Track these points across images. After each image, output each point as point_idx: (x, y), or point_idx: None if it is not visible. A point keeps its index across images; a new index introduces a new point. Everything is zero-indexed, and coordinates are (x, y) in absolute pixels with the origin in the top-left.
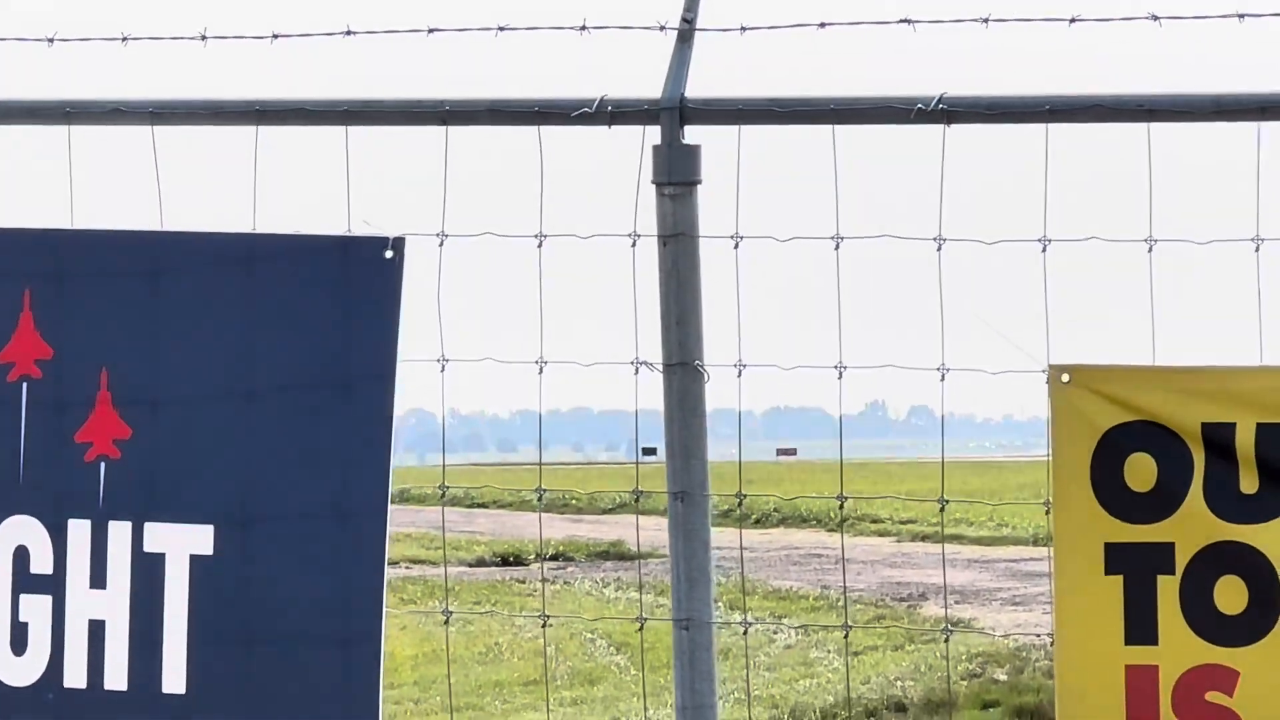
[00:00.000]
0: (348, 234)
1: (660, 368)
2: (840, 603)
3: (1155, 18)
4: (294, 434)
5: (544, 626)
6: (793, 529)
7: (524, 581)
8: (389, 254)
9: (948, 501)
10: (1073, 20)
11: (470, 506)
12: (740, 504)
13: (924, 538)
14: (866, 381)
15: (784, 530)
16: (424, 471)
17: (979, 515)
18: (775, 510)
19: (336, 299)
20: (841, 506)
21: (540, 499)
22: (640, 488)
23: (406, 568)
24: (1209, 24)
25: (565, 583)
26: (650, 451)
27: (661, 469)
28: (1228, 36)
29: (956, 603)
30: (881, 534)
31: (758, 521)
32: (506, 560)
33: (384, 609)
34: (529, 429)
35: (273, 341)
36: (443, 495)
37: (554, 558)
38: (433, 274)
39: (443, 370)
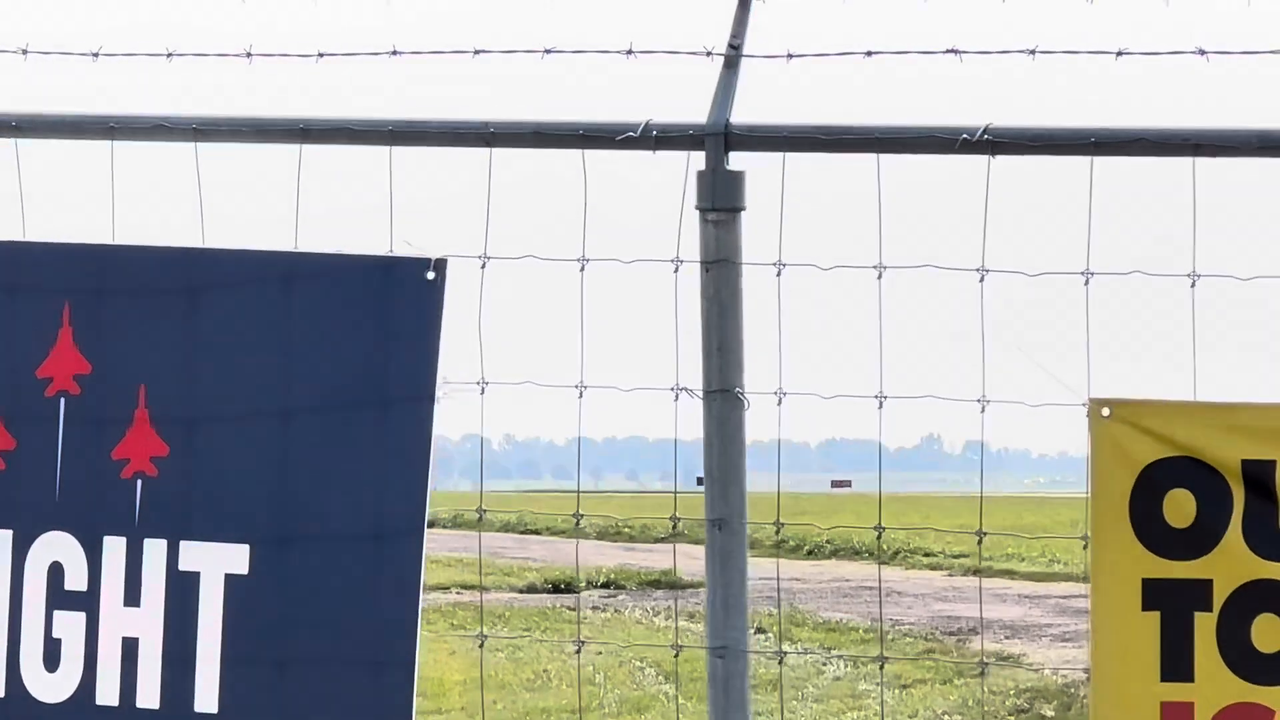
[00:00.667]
0: (389, 254)
1: (700, 394)
2: (891, 636)
3: (1203, 52)
4: (331, 454)
5: (577, 652)
6: (844, 561)
7: (574, 609)
8: (430, 275)
9: (986, 534)
10: (1120, 53)
11: (524, 533)
12: (778, 531)
13: (976, 572)
14: (921, 415)
15: (836, 562)
16: (479, 497)
17: (1031, 550)
18: (828, 542)
19: (377, 319)
20: (879, 537)
21: (578, 523)
22: (687, 516)
23: (458, 593)
24: (1256, 59)
25: (616, 610)
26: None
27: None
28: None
29: (1007, 638)
30: (934, 567)
31: (810, 553)
32: (557, 587)
33: (419, 632)
34: (587, 457)
35: (312, 361)
36: (480, 519)
37: (605, 585)
38: (475, 296)
39: (482, 393)
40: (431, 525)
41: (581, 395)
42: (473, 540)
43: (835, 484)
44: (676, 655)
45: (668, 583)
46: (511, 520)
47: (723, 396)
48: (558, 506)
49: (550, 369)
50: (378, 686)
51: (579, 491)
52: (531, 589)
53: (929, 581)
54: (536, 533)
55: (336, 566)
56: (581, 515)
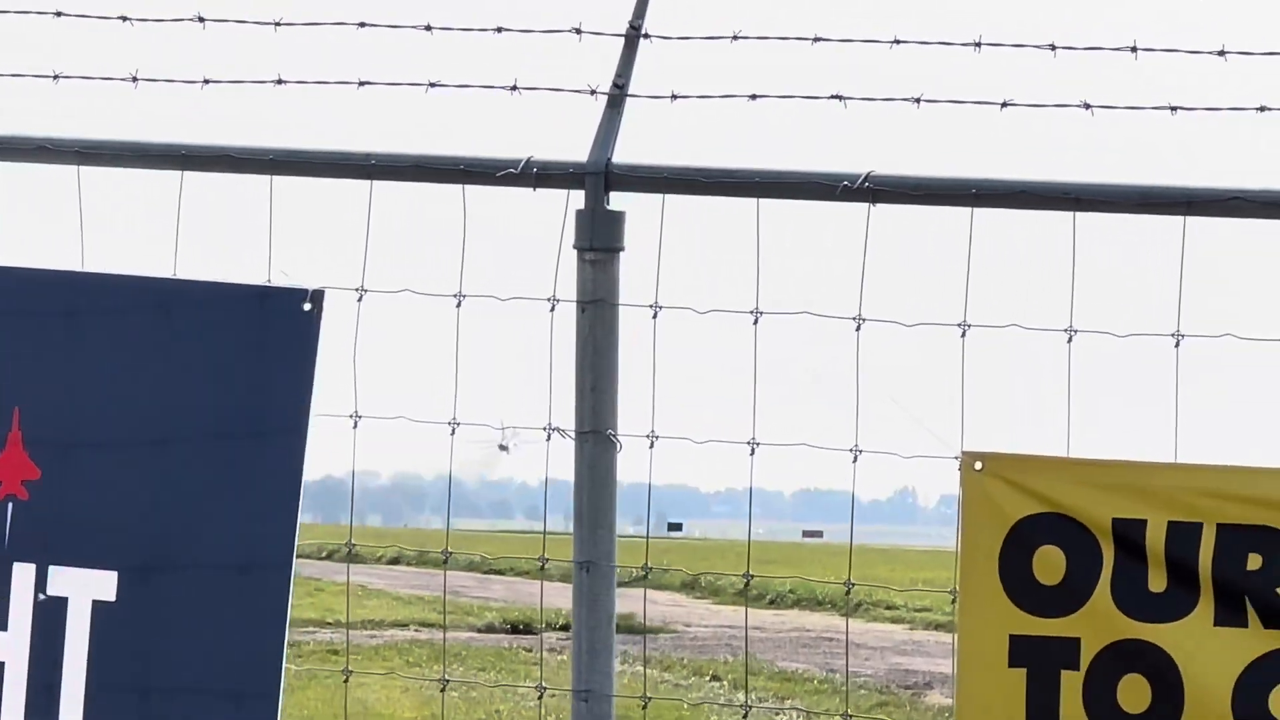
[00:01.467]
0: (267, 284)
1: (573, 435)
2: (845, 687)
3: (1088, 106)
4: (203, 483)
5: (539, 699)
6: (806, 611)
7: (530, 650)
8: (307, 306)
9: (854, 585)
10: (1005, 104)
11: (486, 573)
12: (645, 575)
13: (937, 626)
14: (896, 468)
15: (798, 612)
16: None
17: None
18: (791, 591)
19: (253, 350)
20: (746, 584)
21: (445, 561)
22: (650, 565)
23: (416, 630)
24: (1141, 115)
25: None
26: (676, 527)
27: (676, 544)
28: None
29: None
30: (895, 620)
31: (771, 602)
32: (515, 628)
33: (284, 666)
34: (556, 498)
35: (187, 389)
36: (349, 553)
37: (564, 628)
38: (352, 328)
39: (355, 427)
40: (395, 562)
41: (454, 432)
42: (435, 578)
43: (806, 534)
44: (540, 697)
45: (625, 627)
46: (475, 559)
47: (595, 438)
48: (522, 548)
49: (428, 404)
50: (240, 718)
51: (448, 528)
52: (490, 628)
53: (889, 634)
54: (499, 572)
55: (203, 596)
56: (451, 553)
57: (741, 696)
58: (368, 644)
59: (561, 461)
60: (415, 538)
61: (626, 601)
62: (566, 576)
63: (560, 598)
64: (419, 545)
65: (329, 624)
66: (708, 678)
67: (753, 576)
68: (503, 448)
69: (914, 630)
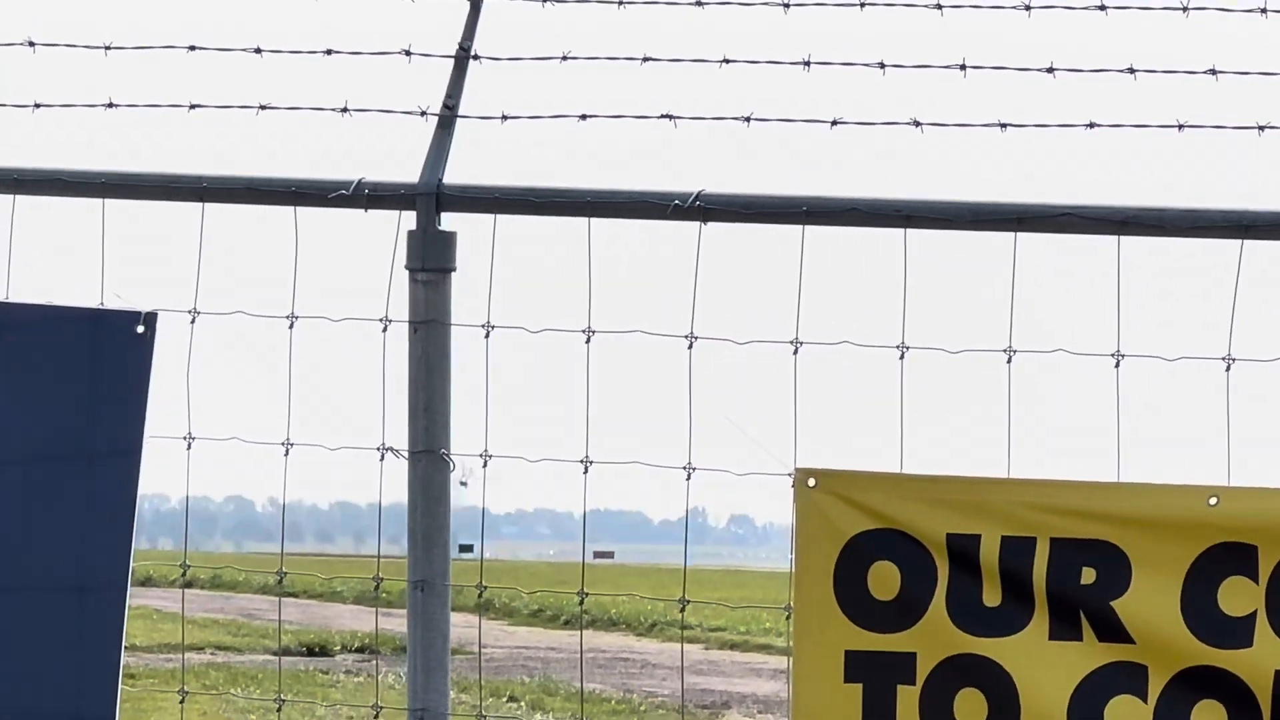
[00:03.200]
0: (100, 307)
1: (406, 455)
2: (643, 708)
3: (918, 124)
4: (36, 506)
5: (278, 710)
6: (601, 631)
7: (327, 672)
8: (140, 329)
9: (689, 602)
10: (835, 123)
11: (281, 595)
12: (480, 595)
13: (733, 645)
14: (686, 488)
15: (593, 633)
16: (238, 558)
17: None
18: (585, 612)
19: (86, 372)
20: (581, 603)
21: (280, 581)
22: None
23: (211, 653)
24: (971, 132)
25: (369, 675)
26: (467, 548)
27: (469, 565)
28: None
29: (760, 712)
30: (691, 640)
31: (566, 622)
32: (312, 650)
33: (119, 688)
34: (348, 521)
35: (19, 411)
36: (184, 573)
37: (360, 650)
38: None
39: (189, 449)
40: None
41: (288, 454)
42: (230, 601)
43: (598, 554)
44: (376, 716)
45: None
46: (268, 582)
47: (428, 457)
48: (318, 570)
49: (263, 426)
50: None
51: (283, 552)
52: (286, 651)
53: (685, 653)
54: (294, 595)
55: (39, 618)
56: (286, 573)
57: (539, 717)
58: (164, 667)
59: (358, 482)
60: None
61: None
62: (361, 598)
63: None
64: (210, 568)
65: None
66: (505, 699)
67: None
68: (463, 484)
69: (709, 650)
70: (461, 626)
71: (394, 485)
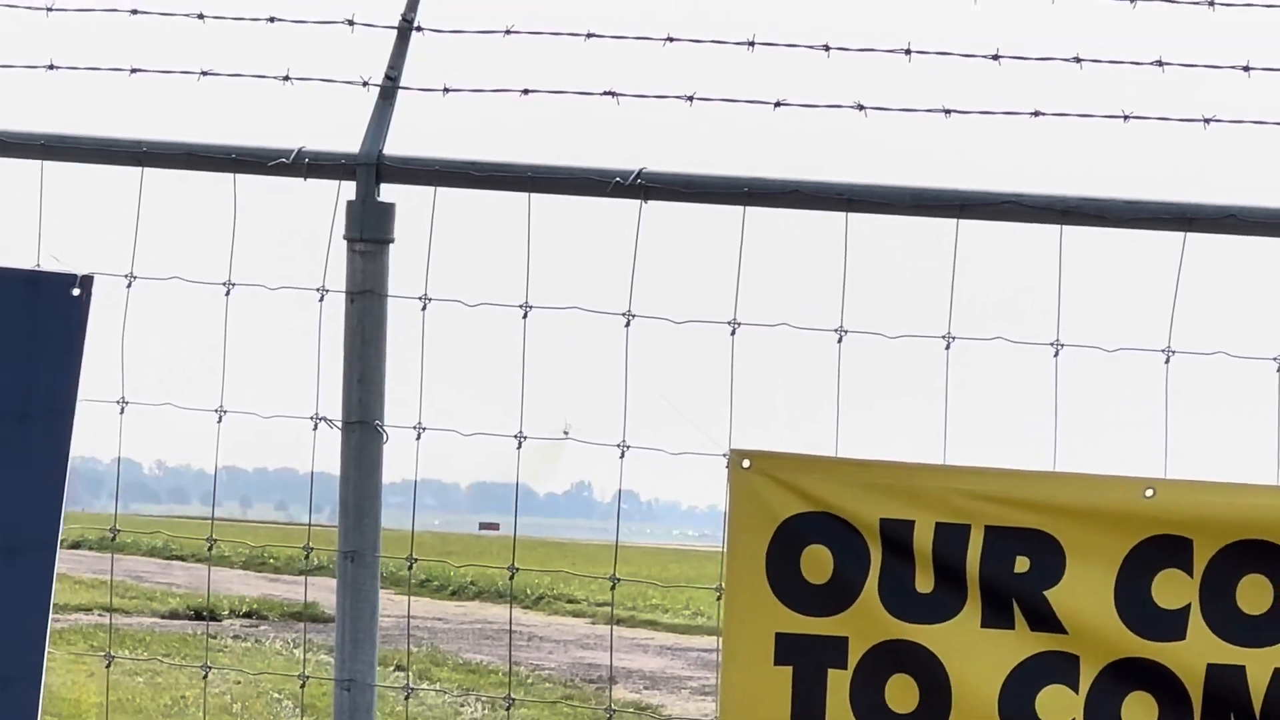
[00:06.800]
0: (36, 269)
1: (340, 425)
2: (530, 681)
3: (861, 107)
4: None
5: (204, 678)
6: (489, 603)
7: (215, 636)
8: (76, 292)
9: (620, 580)
10: (778, 104)
11: (169, 558)
12: (410, 568)
13: (619, 620)
14: (575, 463)
15: (480, 604)
16: (125, 519)
17: (675, 603)
18: (472, 583)
19: (20, 334)
20: (511, 578)
21: (210, 549)
22: (327, 547)
23: (100, 614)
24: (915, 117)
25: (257, 641)
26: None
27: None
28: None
29: (646, 688)
30: (577, 614)
31: (454, 594)
32: (199, 614)
33: (46, 647)
34: (234, 484)
35: None
36: (113, 538)
37: (247, 615)
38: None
39: (122, 413)
40: (77, 546)
41: (221, 420)
42: (118, 563)
43: (483, 526)
44: (303, 685)
45: (310, 615)
46: (156, 545)
47: (361, 428)
48: (203, 533)
49: (197, 393)
50: (3, 700)
51: (213, 517)
52: (174, 615)
53: (571, 628)
54: (181, 558)
55: None
56: (215, 540)
57: (426, 685)
58: (53, 627)
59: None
60: (94, 521)
61: (312, 590)
62: (249, 563)
63: (240, 584)
64: (99, 529)
65: None
66: (392, 668)
67: (620, 581)
68: (565, 433)
69: (595, 624)
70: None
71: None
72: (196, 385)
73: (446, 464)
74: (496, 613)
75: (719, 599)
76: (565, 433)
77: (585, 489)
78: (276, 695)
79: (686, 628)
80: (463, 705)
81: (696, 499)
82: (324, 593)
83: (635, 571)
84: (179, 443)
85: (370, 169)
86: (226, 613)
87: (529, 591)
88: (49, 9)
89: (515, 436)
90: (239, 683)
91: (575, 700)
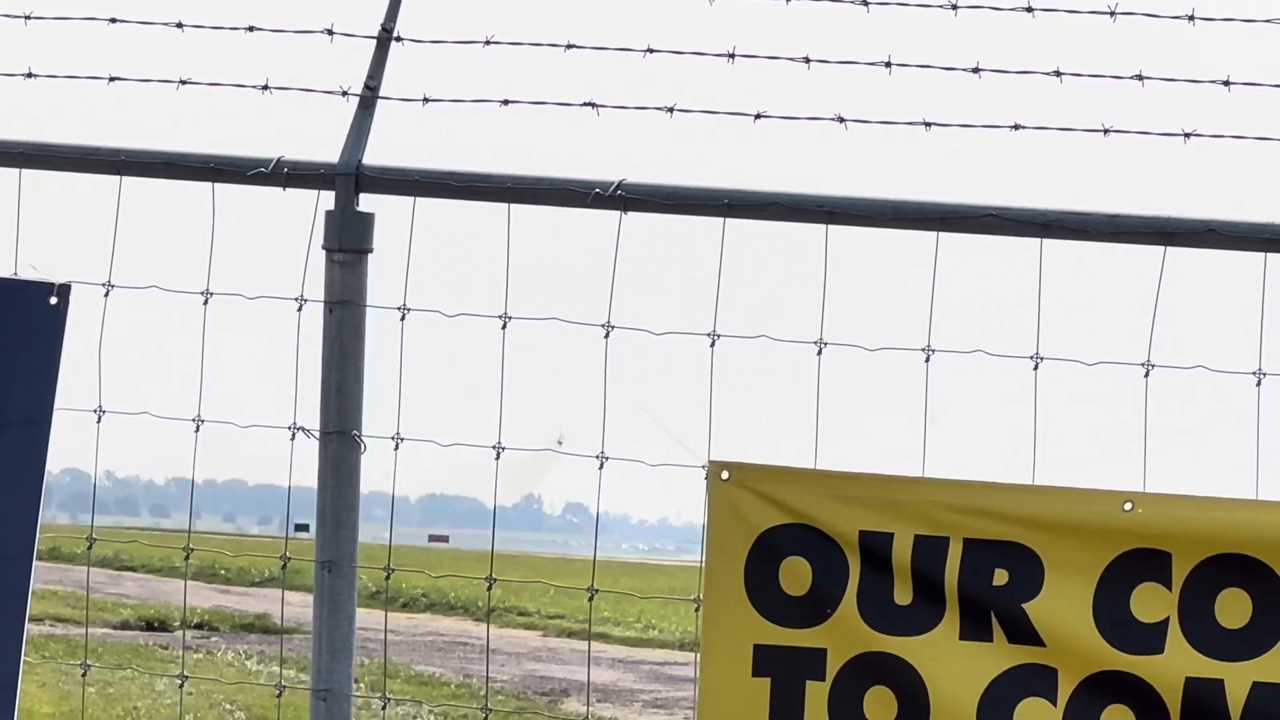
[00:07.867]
0: (14, 277)
1: (318, 435)
2: (482, 691)
3: (841, 119)
4: None
5: (181, 686)
6: (440, 615)
7: (167, 647)
8: (54, 300)
9: (597, 591)
10: (759, 116)
11: (119, 569)
12: (388, 578)
13: (570, 633)
14: (525, 475)
15: (431, 616)
16: (76, 529)
17: (627, 615)
18: (423, 595)
19: None
20: (489, 589)
21: (187, 558)
22: (296, 558)
23: (51, 625)
24: (895, 130)
25: (209, 652)
26: (303, 528)
27: (312, 544)
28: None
29: (599, 700)
30: (529, 627)
31: (405, 605)
32: (151, 625)
33: (22, 656)
34: (182, 496)
35: None
36: (90, 547)
37: (199, 626)
38: (99, 324)
39: (99, 421)
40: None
41: (198, 430)
42: (68, 573)
43: (433, 538)
44: (280, 695)
45: (261, 627)
46: (108, 555)
47: (339, 438)
48: (155, 543)
49: (170, 403)
50: None
51: (190, 518)
52: (125, 625)
53: (524, 640)
54: (132, 569)
55: None
56: (193, 549)
57: (378, 699)
58: None
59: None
60: (45, 531)
61: (263, 602)
62: (203, 574)
63: (194, 595)
64: (48, 540)
65: None
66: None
67: (598, 592)
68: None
69: (548, 637)
70: (299, 607)
71: (213, 463)
72: (171, 396)
73: (399, 476)
74: (448, 625)
75: (697, 610)
76: (559, 442)
77: (535, 502)
78: (229, 706)
79: (639, 640)
80: (415, 718)
81: (647, 513)
82: (275, 605)
83: (584, 583)
84: (127, 455)
85: (349, 179)
86: (178, 624)
87: (480, 604)
88: (27, 17)
89: (494, 448)
90: (191, 693)
91: (528, 713)
